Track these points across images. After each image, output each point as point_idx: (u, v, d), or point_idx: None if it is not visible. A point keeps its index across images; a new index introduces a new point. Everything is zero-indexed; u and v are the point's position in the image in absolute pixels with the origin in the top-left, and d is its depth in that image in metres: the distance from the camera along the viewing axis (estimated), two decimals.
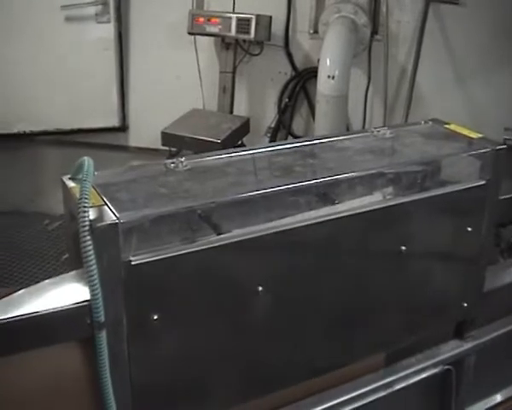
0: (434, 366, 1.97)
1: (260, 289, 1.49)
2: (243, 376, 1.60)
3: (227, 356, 1.54)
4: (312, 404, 1.77)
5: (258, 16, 4.03)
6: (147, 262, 1.32)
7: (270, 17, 4.15)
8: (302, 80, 4.41)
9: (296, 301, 1.59)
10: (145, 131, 4.55)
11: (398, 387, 1.90)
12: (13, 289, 1.29)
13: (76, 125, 4.60)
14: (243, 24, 4.01)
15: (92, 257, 1.24)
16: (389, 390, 1.87)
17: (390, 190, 1.69)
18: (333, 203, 1.59)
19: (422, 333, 1.93)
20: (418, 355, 1.97)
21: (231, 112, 4.35)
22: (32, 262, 3.98)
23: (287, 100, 4.45)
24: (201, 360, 1.51)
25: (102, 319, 1.27)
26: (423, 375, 1.96)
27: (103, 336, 1.29)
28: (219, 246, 1.43)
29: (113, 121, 4.69)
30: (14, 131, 4.60)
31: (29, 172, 4.82)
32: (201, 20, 4.12)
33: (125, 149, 4.75)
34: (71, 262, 1.44)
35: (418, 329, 1.91)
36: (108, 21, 4.43)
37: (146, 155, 4.47)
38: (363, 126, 4.19)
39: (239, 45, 4.29)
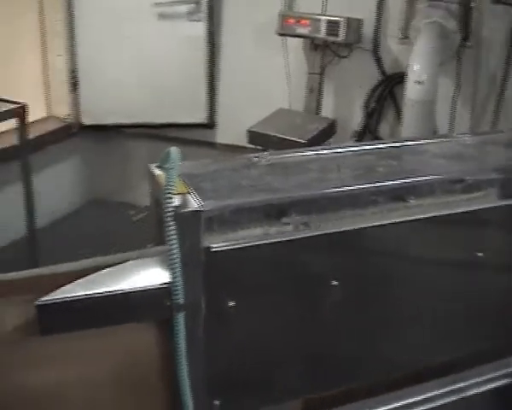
0: (504, 376, 1.95)
1: (334, 283, 1.52)
2: (311, 368, 1.63)
3: (297, 347, 1.57)
4: (377, 403, 1.78)
5: (348, 19, 4.04)
6: (226, 250, 1.37)
7: (361, 20, 4.16)
8: (390, 85, 4.40)
9: (369, 299, 1.61)
10: (232, 129, 4.61)
11: (465, 395, 1.89)
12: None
13: (164, 120, 4.70)
14: (333, 26, 4.03)
15: (175, 241, 1.30)
16: (456, 397, 1.87)
17: (467, 194, 1.69)
18: (409, 204, 1.60)
19: (493, 342, 1.91)
20: (488, 365, 1.95)
21: (318, 113, 4.38)
22: (115, 250, 4.10)
23: (374, 104, 4.45)
24: (272, 350, 1.54)
25: (182, 301, 1.33)
26: (492, 385, 1.94)
27: (181, 317, 1.34)
28: (297, 239, 1.47)
29: (201, 118, 4.77)
30: (106, 123, 4.75)
31: (118, 164, 4.97)
32: (291, 21, 4.16)
33: (211, 145, 4.83)
34: (158, 244, 1.50)
35: (489, 336, 1.90)
36: (200, 20, 4.51)
37: (232, 152, 4.54)
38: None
39: (328, 47, 4.32)
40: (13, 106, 3.21)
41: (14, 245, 4.06)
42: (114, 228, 4.55)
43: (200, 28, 4.54)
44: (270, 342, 1.53)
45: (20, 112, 3.19)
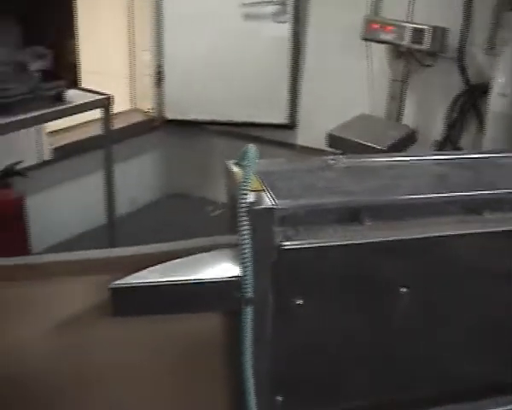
0: None
1: (403, 290, 1.53)
2: (373, 373, 1.64)
3: (361, 351, 1.59)
4: None
5: (433, 27, 4.01)
6: (297, 249, 1.40)
7: (446, 29, 4.11)
8: (473, 95, 4.34)
9: (436, 309, 1.61)
10: (312, 131, 4.62)
11: None
12: None
13: (246, 119, 4.75)
14: (418, 34, 4.00)
15: (247, 237, 1.33)
16: None
17: None
18: (483, 217, 1.60)
19: None
20: None
21: (399, 121, 4.36)
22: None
23: (456, 114, 4.40)
24: (336, 351, 1.56)
25: (250, 295, 1.36)
26: None
27: (249, 311, 1.38)
28: (368, 243, 1.48)
29: (282, 118, 4.80)
30: (188, 118, 4.83)
31: (198, 159, 5.05)
32: (376, 26, 4.14)
33: (291, 146, 4.86)
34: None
35: None
36: (285, 21, 4.53)
37: (311, 154, 4.56)
38: None
39: (412, 55, 4.29)
40: (99, 97, 3.31)
41: (94, 231, 4.19)
42: (191, 222, 4.63)
43: (285, 29, 4.57)
44: (335, 344, 1.54)
45: (105, 103, 3.29)
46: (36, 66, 3.21)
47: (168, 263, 1.39)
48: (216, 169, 4.90)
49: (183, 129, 4.93)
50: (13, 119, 2.99)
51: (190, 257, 1.43)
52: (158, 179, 5.14)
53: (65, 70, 3.21)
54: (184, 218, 4.74)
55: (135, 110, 5.02)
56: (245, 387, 1.45)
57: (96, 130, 4.32)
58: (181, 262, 1.40)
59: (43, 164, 4.17)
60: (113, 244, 3.55)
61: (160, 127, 4.96)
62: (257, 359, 1.44)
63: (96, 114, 3.75)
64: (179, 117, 4.85)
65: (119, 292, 1.32)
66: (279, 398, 1.53)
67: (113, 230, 3.53)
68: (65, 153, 4.30)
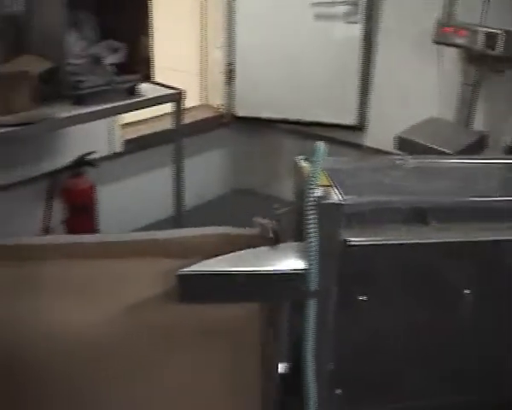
0: None
1: (467, 292, 1.54)
2: (433, 373, 1.64)
3: (422, 351, 1.60)
4: None
5: (507, 32, 3.94)
6: (363, 245, 1.42)
7: None
8: None
9: (498, 312, 1.61)
10: (380, 133, 4.60)
11: None
12: None
13: (314, 119, 4.76)
14: (491, 38, 3.94)
15: (314, 231, 1.36)
16: None
17: None
18: None
19: None
20: None
21: (469, 125, 4.31)
22: None
23: None
24: (397, 349, 1.57)
25: (315, 288, 1.39)
26: None
27: (313, 304, 1.41)
28: (434, 243, 1.49)
29: (351, 119, 4.80)
30: (257, 115, 4.88)
31: (265, 157, 5.09)
32: (448, 29, 4.10)
33: (359, 147, 4.85)
34: (294, 235, 1.57)
35: None
36: (357, 22, 4.53)
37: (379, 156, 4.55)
38: None
39: (484, 59, 4.23)
40: (171, 91, 3.37)
41: (161, 223, 4.26)
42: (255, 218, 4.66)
43: (356, 30, 4.56)
44: (396, 342, 1.56)
45: (177, 97, 3.35)
46: (111, 59, 3.29)
47: (236, 253, 1.43)
48: (283, 167, 4.94)
49: (252, 126, 4.97)
50: (87, 110, 3.08)
51: (257, 249, 1.47)
52: (225, 175, 5.20)
53: (139, 64, 3.28)
54: (250, 214, 4.75)
55: (205, 106, 5.09)
56: (305, 378, 1.48)
57: (167, 124, 4.41)
58: (248, 253, 1.44)
59: (114, 155, 4.27)
60: None
61: (229, 124, 5.02)
62: (318, 351, 1.47)
63: (168, 108, 3.83)
64: (248, 114, 4.89)
65: (186, 279, 1.36)
66: (338, 391, 1.55)
67: (180, 222, 3.59)
68: (136, 145, 4.39)
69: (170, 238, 1.53)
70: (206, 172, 4.90)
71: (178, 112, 3.37)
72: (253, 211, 4.77)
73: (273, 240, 1.48)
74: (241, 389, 1.58)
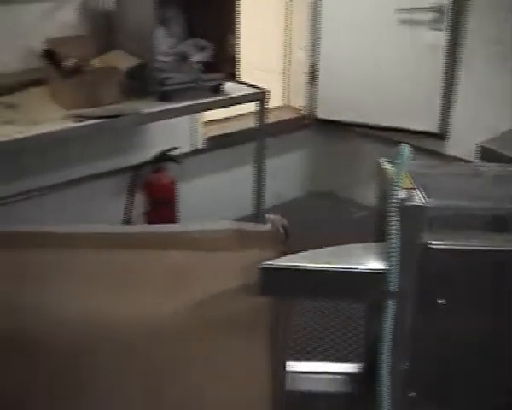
0: None
1: None
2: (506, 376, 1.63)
3: (499, 357, 1.58)
4: None
5: None
6: (444, 249, 1.42)
7: None
8: None
9: None
10: (463, 142, 4.53)
11: None
12: None
13: (395, 124, 4.73)
14: None
15: (396, 232, 1.37)
16: None
17: None
18: None
19: None
20: None
21: None
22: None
23: None
24: (473, 355, 1.56)
25: (394, 289, 1.40)
26: None
27: (392, 305, 1.42)
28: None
29: (432, 127, 4.75)
30: (338, 118, 4.87)
31: (344, 160, 5.08)
32: None
33: (439, 155, 4.79)
34: (375, 236, 1.58)
35: None
36: (442, 29, 4.47)
37: None
38: None
39: None
40: (255, 90, 3.40)
41: (241, 221, 4.31)
42: (333, 221, 4.68)
43: (441, 36, 4.51)
44: (473, 347, 1.55)
45: (261, 97, 3.38)
46: (197, 57, 3.35)
47: (317, 250, 1.45)
48: (362, 172, 4.92)
49: (332, 129, 4.97)
50: (172, 106, 3.14)
51: (338, 247, 1.49)
52: (304, 177, 5.21)
53: (224, 63, 3.32)
54: (328, 217, 4.79)
55: (287, 107, 5.11)
56: (380, 379, 1.49)
57: (249, 123, 4.45)
58: (330, 250, 1.46)
59: (196, 152, 4.34)
60: None
61: (310, 125, 5.03)
62: (394, 353, 1.47)
63: (249, 107, 3.87)
64: (330, 117, 4.89)
65: (268, 272, 1.39)
66: (412, 394, 1.56)
67: (259, 222, 3.62)
68: (217, 143, 4.45)
69: (185, 232, 1.57)
70: (285, 173, 4.92)
71: (262, 111, 3.40)
72: (331, 213, 4.82)
73: (283, 236, 1.50)
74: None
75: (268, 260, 1.44)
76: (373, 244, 1.50)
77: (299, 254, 1.43)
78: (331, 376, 1.86)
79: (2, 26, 3.41)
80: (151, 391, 1.53)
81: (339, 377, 1.86)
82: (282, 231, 1.52)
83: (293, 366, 1.84)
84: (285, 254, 1.47)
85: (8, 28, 3.44)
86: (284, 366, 1.60)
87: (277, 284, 1.42)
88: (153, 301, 1.49)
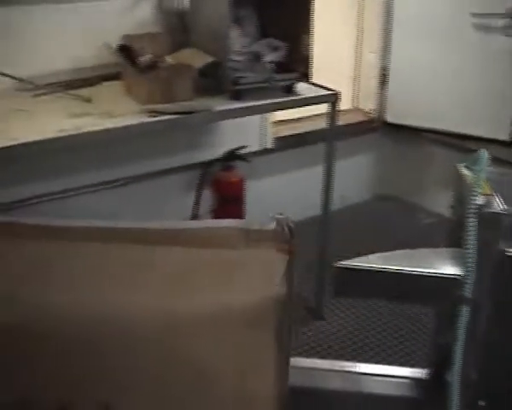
0: None
1: None
2: None
3: None
4: None
5: None
6: None
7: None
8: None
9: None
10: None
11: None
12: None
13: (466, 131, 4.67)
14: None
15: (473, 238, 1.37)
16: None
17: None
18: None
19: None
20: None
21: None
22: (393, 246, 4.20)
23: None
24: None
25: (470, 295, 1.39)
26: None
27: (466, 311, 1.41)
28: None
29: (504, 135, 4.67)
30: (407, 123, 4.84)
31: (414, 165, 5.04)
32: None
33: (510, 164, 4.72)
34: (449, 241, 1.57)
35: None
36: None
37: None
38: None
39: None
40: (327, 92, 3.40)
41: (307, 221, 4.33)
42: (400, 226, 4.65)
43: None
44: None
45: (333, 99, 3.37)
46: (270, 57, 3.36)
47: (390, 252, 1.46)
48: (430, 177, 4.89)
49: (401, 133, 4.93)
50: (245, 104, 3.16)
51: (411, 250, 1.48)
52: (370, 180, 5.19)
53: (297, 63, 3.32)
54: (394, 221, 4.77)
55: (356, 110, 5.10)
56: (450, 386, 1.48)
57: (317, 124, 4.47)
58: (402, 254, 1.46)
59: (265, 151, 4.36)
60: (327, 237, 3.66)
61: (378, 129, 5.01)
62: (465, 360, 1.47)
63: (318, 108, 3.88)
64: (399, 121, 4.86)
65: (343, 272, 1.40)
66: (482, 403, 1.54)
67: (326, 223, 3.63)
68: (286, 143, 4.47)
69: (189, 229, 1.57)
70: (352, 175, 4.91)
71: (333, 113, 3.39)
72: (397, 218, 4.78)
73: (288, 235, 1.49)
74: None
75: (272, 258, 1.47)
76: (447, 249, 1.49)
77: (373, 256, 1.43)
78: (396, 379, 1.85)
79: (79, 21, 3.50)
80: (157, 386, 1.54)
81: (404, 381, 1.85)
82: (286, 230, 1.50)
83: (357, 367, 1.85)
84: (290, 252, 1.48)
85: (84, 23, 3.52)
86: (288, 363, 1.59)
87: (351, 284, 1.43)
88: (156, 297, 1.50)
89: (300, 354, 3.39)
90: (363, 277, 1.42)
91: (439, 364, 1.58)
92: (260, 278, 1.49)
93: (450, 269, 1.41)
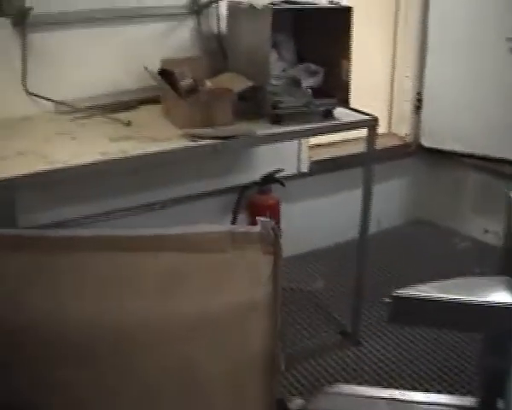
0: None
1: None
2: None
3: None
4: None
5: None
6: None
7: None
8: None
9: None
10: None
11: None
12: None
13: (503, 155, 4.64)
14: None
15: None
16: None
17: None
18: None
19: None
20: None
21: None
22: (428, 270, 4.20)
23: None
24: None
25: None
26: None
27: None
28: None
29: None
30: (443, 147, 4.82)
31: (449, 190, 5.02)
32: None
33: None
34: (499, 269, 1.57)
35: None
36: None
37: None
38: None
39: None
40: (365, 117, 3.40)
41: (342, 246, 4.35)
42: (434, 250, 4.63)
43: None
44: None
45: (372, 124, 3.38)
46: (309, 82, 3.38)
47: (444, 282, 1.45)
48: (466, 202, 4.87)
49: (437, 158, 4.91)
50: (285, 129, 3.17)
51: (464, 279, 1.49)
52: (405, 204, 5.17)
53: (336, 88, 3.33)
54: (428, 245, 4.75)
55: (390, 134, 5.10)
56: None
57: (352, 149, 4.49)
58: (456, 283, 1.46)
59: (300, 175, 4.38)
60: (364, 261, 3.65)
61: (413, 154, 5.01)
62: None
63: (354, 133, 3.90)
64: (434, 145, 4.85)
65: (399, 301, 1.40)
66: None
67: (364, 247, 3.61)
68: (322, 167, 4.48)
69: (177, 235, 1.63)
70: (386, 199, 4.90)
71: (372, 138, 3.39)
72: (432, 243, 4.76)
73: (273, 237, 1.58)
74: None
75: (259, 260, 1.57)
76: (500, 278, 1.49)
77: (427, 285, 1.43)
78: (445, 408, 1.84)
79: (119, 44, 3.55)
80: (152, 390, 1.60)
81: (453, 409, 1.84)
82: (271, 232, 1.59)
83: (405, 395, 1.84)
84: (275, 254, 1.59)
85: (124, 47, 3.57)
86: (278, 363, 1.66)
87: (406, 312, 1.43)
88: (146, 302, 1.57)
89: (337, 380, 3.38)
90: (419, 306, 1.41)
91: (489, 392, 1.57)
92: (248, 279, 1.60)
93: (505, 298, 1.40)
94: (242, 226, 1.68)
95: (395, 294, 1.39)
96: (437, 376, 3.37)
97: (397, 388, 3.16)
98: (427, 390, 3.15)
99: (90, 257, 1.59)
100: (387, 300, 1.41)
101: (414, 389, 3.18)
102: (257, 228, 1.60)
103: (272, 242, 1.58)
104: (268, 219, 1.60)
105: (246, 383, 1.65)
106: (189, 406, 1.63)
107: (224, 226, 1.69)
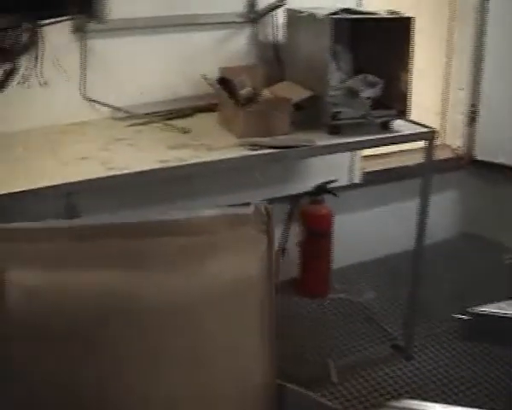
0: None
1: None
2: None
3: None
4: None
5: None
6: None
7: None
8: None
9: None
10: None
11: None
12: None
13: None
14: None
15: None
16: None
17: None
18: None
19: None
20: None
21: None
22: (478, 285, 4.17)
23: None
24: None
25: None
26: None
27: None
28: None
29: None
30: (497, 161, 4.77)
31: (503, 204, 4.95)
32: None
33: None
34: None
35: None
36: None
37: None
38: None
39: None
40: (424, 129, 3.38)
41: (395, 257, 4.32)
42: (482, 265, 4.57)
43: None
44: None
45: (430, 136, 3.35)
46: (367, 93, 3.35)
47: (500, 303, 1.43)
48: None
49: (491, 171, 4.86)
50: (343, 140, 3.15)
51: None
52: (456, 217, 5.11)
53: (394, 100, 3.30)
54: (476, 260, 4.70)
55: (443, 146, 5.04)
56: None
57: (405, 160, 4.46)
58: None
59: (353, 186, 4.36)
60: (418, 273, 3.61)
61: (466, 166, 4.95)
62: None
63: (406, 144, 3.88)
64: (488, 158, 4.79)
65: (474, 318, 1.38)
66: None
67: (419, 259, 3.57)
68: (374, 178, 4.46)
69: (180, 219, 1.79)
70: (437, 212, 4.84)
71: (430, 150, 3.37)
72: (481, 256, 4.71)
73: (266, 218, 1.78)
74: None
75: (254, 238, 1.76)
76: None
77: (506, 303, 1.41)
78: None
79: (176, 51, 3.57)
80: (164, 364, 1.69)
81: None
82: (264, 212, 1.78)
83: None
84: (268, 233, 1.79)
85: (180, 54, 3.59)
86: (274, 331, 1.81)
87: (484, 330, 1.41)
88: (159, 281, 1.69)
89: (389, 393, 3.36)
90: (498, 323, 1.40)
91: None
92: (246, 256, 1.77)
93: None
94: (237, 209, 1.83)
95: (472, 311, 1.37)
96: (489, 392, 3.34)
97: (449, 403, 3.14)
98: (479, 407, 3.13)
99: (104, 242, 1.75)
100: (463, 316, 1.39)
101: (467, 404, 3.16)
102: (251, 209, 1.79)
103: (265, 221, 1.78)
104: (261, 201, 1.82)
105: (245, 345, 1.78)
106: (195, 372, 1.72)
107: (220, 209, 1.84)
